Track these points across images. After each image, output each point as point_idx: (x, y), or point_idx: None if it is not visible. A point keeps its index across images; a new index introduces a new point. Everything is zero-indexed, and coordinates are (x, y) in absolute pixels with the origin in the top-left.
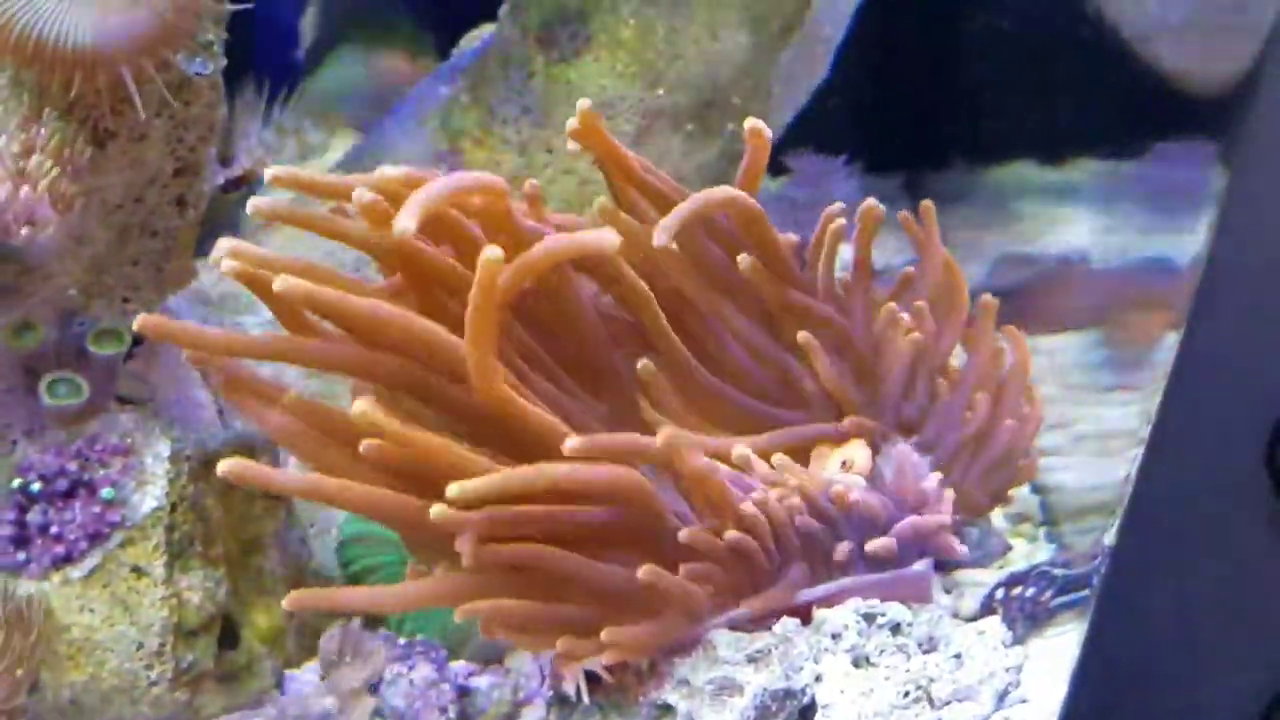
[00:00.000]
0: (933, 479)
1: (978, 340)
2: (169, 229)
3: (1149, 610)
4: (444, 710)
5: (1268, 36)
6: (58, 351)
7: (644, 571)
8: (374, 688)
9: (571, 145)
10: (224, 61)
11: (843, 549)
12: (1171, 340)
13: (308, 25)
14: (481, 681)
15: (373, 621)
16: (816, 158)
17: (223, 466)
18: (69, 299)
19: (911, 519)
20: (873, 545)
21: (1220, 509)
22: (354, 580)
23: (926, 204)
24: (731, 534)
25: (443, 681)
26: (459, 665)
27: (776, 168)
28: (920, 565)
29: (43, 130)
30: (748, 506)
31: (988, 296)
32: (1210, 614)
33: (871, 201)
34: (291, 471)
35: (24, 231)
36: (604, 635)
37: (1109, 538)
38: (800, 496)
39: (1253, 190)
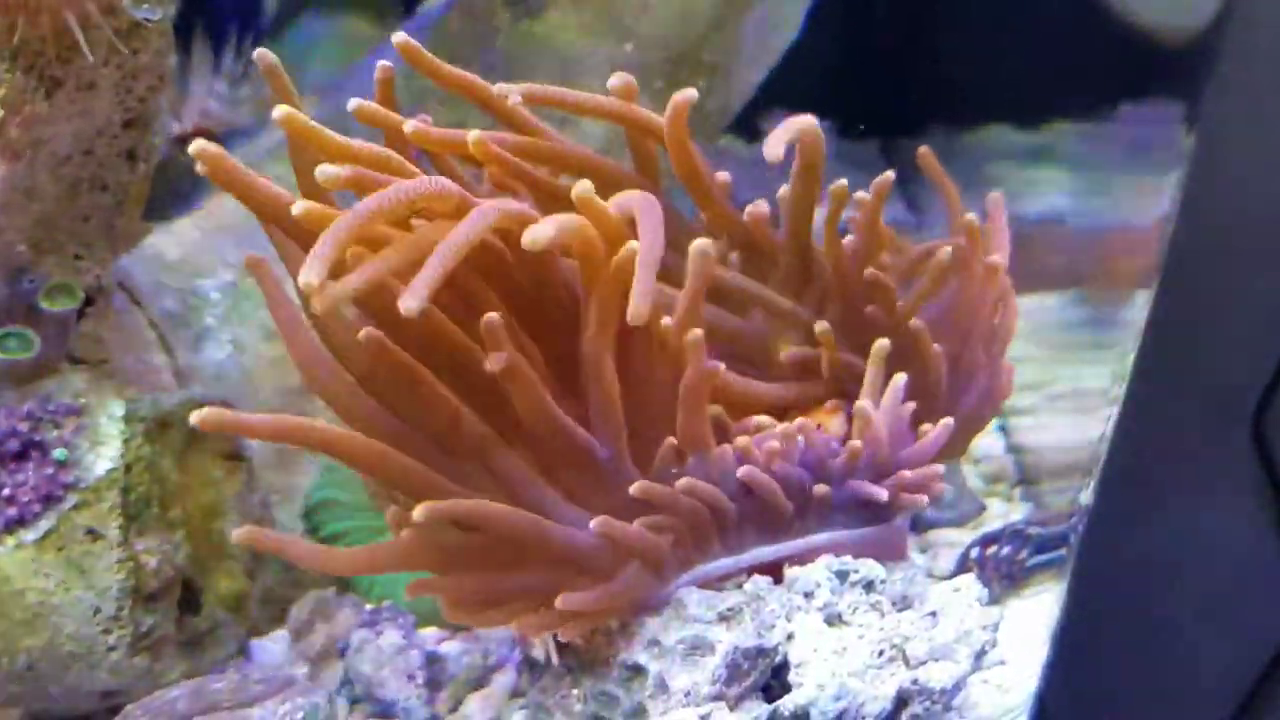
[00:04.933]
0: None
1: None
2: (120, 183)
3: (1127, 577)
4: (412, 677)
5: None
6: (8, 309)
7: (597, 524)
8: (341, 651)
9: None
10: (174, 8)
11: (820, 491)
12: (1148, 300)
13: None
14: (451, 648)
15: (342, 586)
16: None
17: (195, 417)
18: (18, 255)
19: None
20: (867, 490)
21: (1204, 476)
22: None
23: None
24: (685, 483)
25: (411, 648)
26: (429, 631)
27: (748, 130)
28: (897, 521)
29: None
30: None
31: (995, 194)
32: (1196, 580)
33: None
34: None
35: None
36: (558, 602)
37: (1084, 497)
38: (804, 436)
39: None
